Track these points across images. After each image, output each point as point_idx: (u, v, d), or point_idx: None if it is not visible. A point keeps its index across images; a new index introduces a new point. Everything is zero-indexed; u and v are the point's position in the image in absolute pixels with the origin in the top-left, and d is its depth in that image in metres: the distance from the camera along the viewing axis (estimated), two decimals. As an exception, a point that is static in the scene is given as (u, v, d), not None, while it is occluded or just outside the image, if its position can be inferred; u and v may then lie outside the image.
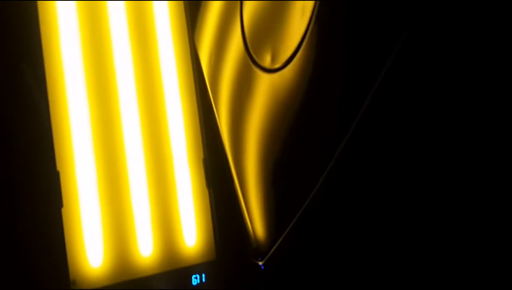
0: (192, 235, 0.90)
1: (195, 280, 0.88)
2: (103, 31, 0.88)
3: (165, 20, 0.93)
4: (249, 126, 0.78)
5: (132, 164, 0.87)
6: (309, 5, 0.67)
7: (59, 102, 0.83)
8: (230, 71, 0.81)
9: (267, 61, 0.74)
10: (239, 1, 0.79)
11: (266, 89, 0.74)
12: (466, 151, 0.56)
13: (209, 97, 0.86)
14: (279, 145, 0.72)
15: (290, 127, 0.71)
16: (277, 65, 0.72)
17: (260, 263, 0.74)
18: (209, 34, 0.86)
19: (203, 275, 0.89)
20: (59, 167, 0.80)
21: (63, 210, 0.80)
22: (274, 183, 0.73)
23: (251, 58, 0.76)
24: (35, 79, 0.80)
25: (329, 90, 0.65)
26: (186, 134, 0.92)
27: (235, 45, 0.80)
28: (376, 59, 0.58)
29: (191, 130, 0.93)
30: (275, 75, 0.72)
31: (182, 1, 0.94)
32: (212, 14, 0.87)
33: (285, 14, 0.72)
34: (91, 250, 0.82)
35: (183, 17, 0.93)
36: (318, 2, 0.65)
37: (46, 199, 0.78)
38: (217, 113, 0.84)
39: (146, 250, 0.86)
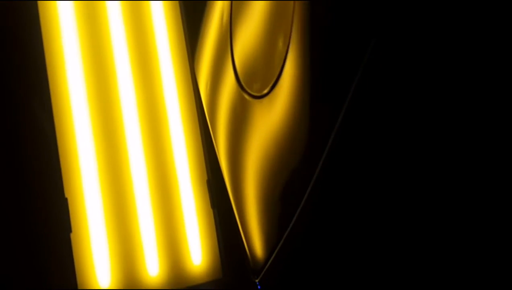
0: (198, 254, 0.94)
1: (202, 298, 0.92)
2: (107, 66, 0.93)
3: (164, 41, 0.98)
4: (242, 150, 0.81)
5: (138, 188, 0.91)
6: (287, 29, 0.70)
7: (65, 130, 0.88)
8: (224, 98, 0.85)
9: (255, 88, 0.77)
10: (229, 28, 0.83)
11: (256, 115, 0.78)
12: (446, 153, 0.58)
13: (207, 122, 0.89)
14: (269, 167, 0.76)
15: (279, 150, 0.74)
16: (265, 91, 0.75)
17: (256, 280, 0.77)
18: (205, 61, 0.90)
19: (210, 293, 0.92)
20: (67, 193, 0.85)
21: (72, 235, 0.85)
22: (265, 204, 0.77)
23: (240, 85, 0.80)
24: (42, 108, 0.85)
25: (309, 109, 0.68)
26: (189, 156, 0.96)
27: (227, 73, 0.84)
28: (348, 71, 0.61)
29: (195, 152, 0.96)
30: (264, 101, 0.76)
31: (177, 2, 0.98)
32: (209, 40, 0.91)
33: (268, 41, 0.75)
34: (100, 272, 0.86)
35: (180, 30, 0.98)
36: (293, 26, 0.69)
37: (55, 225, 0.83)
38: (214, 138, 0.88)
39: (153, 270, 0.90)
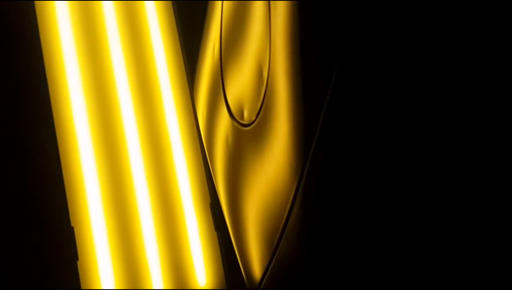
0: (203, 275, 0.97)
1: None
2: (106, 72, 0.97)
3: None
4: (236, 177, 0.84)
5: (143, 213, 0.95)
6: (266, 58, 0.73)
7: (71, 158, 0.92)
8: (218, 127, 0.88)
9: (245, 116, 0.81)
10: (219, 56, 0.86)
11: (245, 143, 0.81)
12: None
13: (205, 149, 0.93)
14: (258, 193, 0.78)
15: (266, 177, 0.77)
16: (252, 119, 0.78)
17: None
18: (202, 90, 0.94)
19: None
20: (73, 223, 0.90)
21: (79, 263, 0.89)
22: (255, 226, 0.79)
23: (230, 114, 0.83)
24: (47, 137, 0.90)
25: (288, 137, 0.71)
26: (192, 180, 0.99)
27: (220, 102, 0.87)
28: (319, 93, 0.64)
29: (197, 176, 1.00)
30: (252, 129, 0.79)
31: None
32: (204, 69, 0.94)
33: (252, 70, 0.78)
34: (107, 299, 0.90)
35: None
36: (271, 54, 0.72)
37: (62, 253, 0.87)
38: (211, 165, 0.91)
39: (159, 293, 0.93)
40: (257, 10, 0.77)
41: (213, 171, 0.91)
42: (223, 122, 0.87)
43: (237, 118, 0.82)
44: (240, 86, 0.83)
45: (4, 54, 0.91)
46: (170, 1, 1.04)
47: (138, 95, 0.99)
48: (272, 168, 0.75)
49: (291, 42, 0.69)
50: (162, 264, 0.94)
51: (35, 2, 0.94)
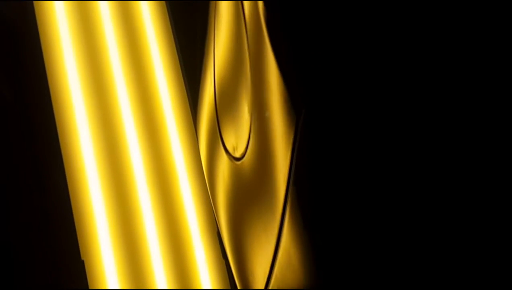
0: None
1: None
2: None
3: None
4: (233, 208, 0.87)
5: (151, 245, 0.99)
6: (249, 94, 0.76)
7: (80, 191, 0.97)
8: (216, 159, 0.92)
9: (233, 150, 0.83)
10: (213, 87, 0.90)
11: (235, 176, 0.83)
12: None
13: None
14: (250, 226, 0.81)
15: (257, 210, 0.79)
16: (239, 154, 0.81)
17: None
18: (201, 124, 0.97)
19: None
20: (83, 256, 0.94)
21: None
22: (247, 255, 0.82)
23: (224, 148, 0.86)
24: (58, 171, 0.95)
25: (268, 173, 0.73)
26: (198, 210, 1.03)
27: (216, 135, 0.91)
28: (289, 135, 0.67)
29: (203, 204, 1.03)
30: (239, 163, 0.82)
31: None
32: (203, 101, 0.98)
33: (239, 105, 0.81)
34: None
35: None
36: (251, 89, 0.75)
37: (72, 285, 0.92)
38: (211, 196, 0.94)
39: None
40: (242, 46, 0.81)
41: (213, 203, 0.94)
42: (220, 156, 0.90)
43: (230, 152, 0.85)
44: (231, 120, 0.86)
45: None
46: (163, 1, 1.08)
47: (144, 126, 1.03)
48: (262, 198, 0.77)
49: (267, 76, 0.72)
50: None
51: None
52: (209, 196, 1.03)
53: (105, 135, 0.99)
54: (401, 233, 0.62)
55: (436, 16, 0.63)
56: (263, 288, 0.78)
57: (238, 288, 0.88)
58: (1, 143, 0.93)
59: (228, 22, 0.82)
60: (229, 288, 0.99)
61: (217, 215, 0.94)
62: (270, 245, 0.74)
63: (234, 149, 0.84)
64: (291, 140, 0.65)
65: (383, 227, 0.63)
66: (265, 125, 0.73)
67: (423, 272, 0.61)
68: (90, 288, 0.93)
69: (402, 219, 0.62)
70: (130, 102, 1.01)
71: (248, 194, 0.81)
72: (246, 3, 0.74)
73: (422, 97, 0.62)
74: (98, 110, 0.99)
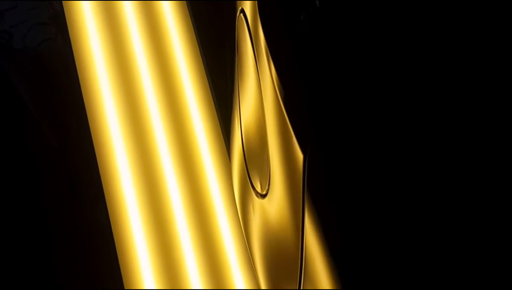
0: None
1: None
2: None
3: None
4: (260, 239, 0.93)
5: (186, 248, 1.06)
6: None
7: (121, 222, 1.04)
8: (246, 193, 0.97)
9: (259, 189, 0.89)
10: (241, 138, 0.96)
11: (261, 209, 0.89)
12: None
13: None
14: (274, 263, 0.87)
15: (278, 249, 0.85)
16: (264, 192, 0.87)
17: None
18: (234, 164, 1.04)
19: None
20: (126, 285, 1.01)
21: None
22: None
23: (252, 186, 0.92)
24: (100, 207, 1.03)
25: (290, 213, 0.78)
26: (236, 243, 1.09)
27: (244, 171, 0.97)
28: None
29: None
30: (264, 200, 0.87)
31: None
32: (236, 146, 1.04)
33: (262, 151, 0.87)
34: None
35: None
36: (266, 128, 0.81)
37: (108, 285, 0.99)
38: (243, 224, 1.00)
39: None
40: (261, 103, 0.87)
41: (244, 231, 1.00)
42: (249, 194, 0.96)
43: (257, 191, 0.91)
44: (256, 164, 0.92)
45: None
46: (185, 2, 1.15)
47: (180, 157, 1.10)
48: (283, 226, 0.83)
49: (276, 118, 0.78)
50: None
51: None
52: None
53: (143, 169, 1.06)
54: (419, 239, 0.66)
55: (436, 16, 0.67)
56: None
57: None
58: (49, 184, 1.02)
59: (250, 82, 0.88)
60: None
61: (248, 242, 0.99)
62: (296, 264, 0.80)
63: (259, 188, 0.90)
64: (300, 177, 0.71)
65: (395, 240, 0.66)
66: (279, 166, 0.79)
67: (441, 273, 0.64)
68: (125, 288, 0.99)
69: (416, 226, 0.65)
70: (168, 144, 1.08)
71: (272, 222, 0.87)
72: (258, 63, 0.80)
73: (423, 107, 0.66)
74: (136, 147, 1.07)
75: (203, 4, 1.16)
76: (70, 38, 1.07)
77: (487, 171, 0.64)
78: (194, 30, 1.14)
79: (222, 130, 1.11)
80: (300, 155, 0.71)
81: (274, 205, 0.85)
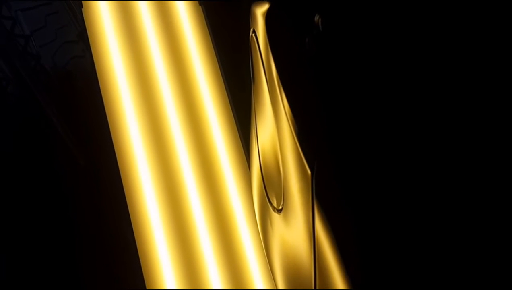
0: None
1: None
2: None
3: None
4: (275, 255, 0.95)
5: (206, 250, 1.09)
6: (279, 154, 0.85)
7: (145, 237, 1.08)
8: (266, 210, 1.00)
9: (275, 205, 0.92)
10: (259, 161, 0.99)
11: (278, 222, 0.92)
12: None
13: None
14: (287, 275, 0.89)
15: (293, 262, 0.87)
16: (279, 207, 0.89)
17: None
18: (254, 183, 1.06)
19: None
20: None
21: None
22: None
23: (269, 202, 0.95)
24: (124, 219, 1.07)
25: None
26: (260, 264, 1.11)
27: (261, 186, 0.99)
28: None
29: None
30: (280, 214, 0.90)
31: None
32: (255, 168, 1.07)
33: (276, 171, 0.89)
34: None
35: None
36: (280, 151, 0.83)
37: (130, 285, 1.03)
38: (262, 237, 1.03)
39: None
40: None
41: (264, 242, 1.03)
42: (267, 209, 0.98)
43: (274, 206, 0.94)
44: (272, 183, 0.95)
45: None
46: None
47: (203, 174, 1.13)
48: (296, 235, 0.86)
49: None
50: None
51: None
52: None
53: (165, 184, 1.09)
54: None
55: (436, 17, 0.69)
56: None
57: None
58: (73, 199, 1.07)
59: (264, 103, 0.91)
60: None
61: (267, 253, 1.02)
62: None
63: (275, 203, 0.93)
64: (309, 192, 0.74)
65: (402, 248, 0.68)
66: (291, 182, 0.82)
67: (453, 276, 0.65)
68: (147, 288, 1.02)
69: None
70: (190, 158, 1.11)
71: (288, 234, 0.90)
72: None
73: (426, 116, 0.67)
74: (159, 164, 1.10)
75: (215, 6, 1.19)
76: (89, 41, 1.11)
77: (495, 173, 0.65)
78: (209, 31, 1.17)
79: (242, 143, 1.14)
80: (308, 172, 0.74)
81: (288, 219, 0.87)
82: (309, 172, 0.73)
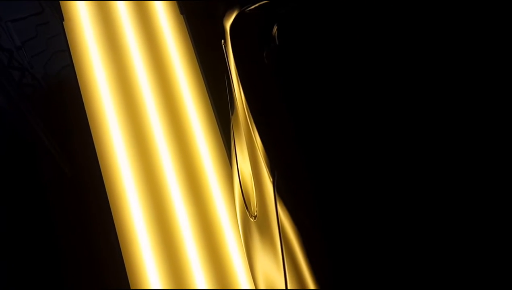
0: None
1: None
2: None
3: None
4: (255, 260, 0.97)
5: (190, 250, 1.10)
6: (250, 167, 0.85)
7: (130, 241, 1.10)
8: (245, 217, 1.02)
9: (252, 212, 0.93)
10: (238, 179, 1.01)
11: (254, 227, 0.94)
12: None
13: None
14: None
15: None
16: (254, 214, 0.91)
17: None
18: (236, 195, 1.08)
19: None
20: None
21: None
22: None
23: (247, 210, 0.97)
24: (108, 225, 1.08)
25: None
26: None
27: (242, 202, 1.02)
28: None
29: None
30: (256, 220, 0.91)
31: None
32: (236, 184, 1.08)
33: (250, 183, 0.91)
34: None
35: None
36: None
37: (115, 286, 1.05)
38: (243, 240, 1.04)
39: None
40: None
41: (244, 245, 1.04)
42: (246, 216, 1.00)
43: (251, 214, 0.95)
44: (249, 194, 0.96)
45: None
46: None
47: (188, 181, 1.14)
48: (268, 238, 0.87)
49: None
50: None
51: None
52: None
53: (149, 187, 1.12)
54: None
55: (436, 17, 0.69)
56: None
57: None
58: (58, 207, 1.09)
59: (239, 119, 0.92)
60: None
61: (247, 253, 1.04)
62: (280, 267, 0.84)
63: (252, 211, 0.95)
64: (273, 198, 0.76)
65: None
66: (259, 193, 0.84)
67: (434, 273, 0.66)
68: (131, 288, 1.05)
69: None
70: (173, 164, 1.13)
71: (262, 236, 0.91)
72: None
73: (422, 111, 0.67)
74: (142, 167, 1.12)
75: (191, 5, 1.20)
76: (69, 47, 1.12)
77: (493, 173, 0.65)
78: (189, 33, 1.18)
79: (224, 145, 1.15)
80: (270, 179, 0.75)
81: (261, 224, 0.89)
82: (270, 179, 0.75)
